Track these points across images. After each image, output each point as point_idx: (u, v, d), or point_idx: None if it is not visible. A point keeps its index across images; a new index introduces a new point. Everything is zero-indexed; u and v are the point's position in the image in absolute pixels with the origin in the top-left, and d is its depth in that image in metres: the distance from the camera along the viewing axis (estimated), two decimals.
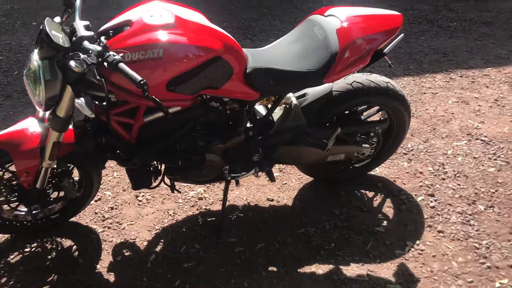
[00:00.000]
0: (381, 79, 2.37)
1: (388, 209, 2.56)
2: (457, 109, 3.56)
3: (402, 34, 2.26)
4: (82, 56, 1.64)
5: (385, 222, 2.47)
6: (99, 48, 1.61)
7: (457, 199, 2.61)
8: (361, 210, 2.55)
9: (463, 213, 2.50)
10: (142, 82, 1.50)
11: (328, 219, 2.48)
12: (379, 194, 2.67)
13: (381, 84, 2.34)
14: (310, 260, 2.24)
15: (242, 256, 2.27)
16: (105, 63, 1.58)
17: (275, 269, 2.21)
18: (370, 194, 2.67)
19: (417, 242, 2.33)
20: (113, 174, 2.84)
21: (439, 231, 2.39)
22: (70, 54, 1.71)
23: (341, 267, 2.21)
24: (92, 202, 2.56)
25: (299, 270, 2.21)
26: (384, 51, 2.18)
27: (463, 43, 4.83)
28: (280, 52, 2.16)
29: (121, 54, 1.65)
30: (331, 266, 2.21)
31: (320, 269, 2.21)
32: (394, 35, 2.17)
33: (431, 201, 2.60)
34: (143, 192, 2.68)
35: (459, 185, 2.72)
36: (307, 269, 2.21)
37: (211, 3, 5.96)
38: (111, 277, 2.17)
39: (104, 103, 1.86)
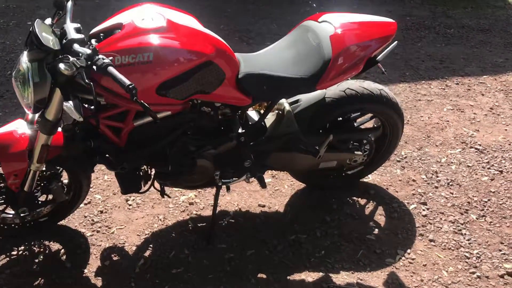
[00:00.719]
0: (375, 86, 2.36)
1: (380, 217, 2.54)
2: (452, 116, 3.55)
3: (396, 42, 2.25)
4: (71, 59, 1.62)
5: (376, 230, 2.45)
6: (88, 51, 1.60)
7: (449, 208, 2.60)
8: (352, 217, 2.53)
9: (455, 222, 2.49)
10: (130, 86, 1.48)
11: (319, 226, 2.46)
12: (371, 201, 2.66)
13: (375, 92, 2.33)
14: (300, 267, 2.23)
15: (231, 263, 2.25)
16: (94, 67, 1.56)
17: (264, 276, 2.19)
18: (362, 201, 2.66)
19: (408, 251, 2.32)
20: (104, 177, 2.82)
21: (431, 240, 2.38)
22: (60, 56, 1.70)
23: (331, 275, 2.19)
24: (82, 205, 2.54)
25: (288, 277, 2.19)
26: (377, 58, 2.16)
27: (460, 50, 4.83)
28: (273, 58, 2.15)
29: (111, 58, 1.64)
30: (321, 274, 2.20)
31: (310, 276, 2.19)
32: (388, 42, 2.16)
33: (423, 210, 2.58)
34: (134, 196, 2.65)
35: (452, 193, 2.71)
36: (297, 276, 2.19)
37: (207, 6, 5.95)
38: (98, 282, 2.14)
39: (93, 107, 1.85)
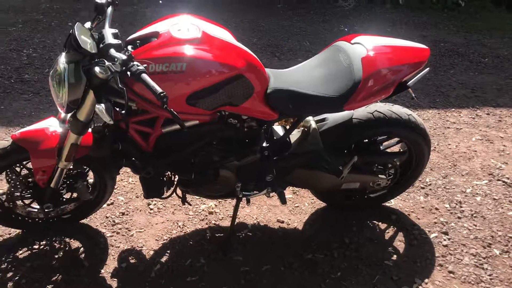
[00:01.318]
0: (404, 111, 2.34)
1: (399, 243, 2.50)
2: (481, 147, 3.49)
3: (428, 68, 2.23)
4: (107, 63, 1.67)
5: (395, 256, 2.41)
6: (124, 57, 1.64)
7: (471, 240, 2.54)
8: (371, 241, 2.50)
9: (477, 255, 2.43)
10: (162, 94, 1.52)
11: (337, 247, 2.44)
12: (391, 226, 2.62)
13: (403, 116, 2.31)
14: (314, 287, 2.21)
15: (246, 276, 2.24)
16: (128, 73, 1.61)
17: None
18: (383, 225, 2.62)
19: (426, 280, 2.27)
20: (128, 179, 2.87)
21: (450, 272, 2.32)
22: (96, 60, 1.76)
23: None
24: (104, 205, 2.59)
25: None
26: (408, 83, 2.15)
27: (493, 80, 4.75)
28: (303, 75, 2.16)
29: (145, 65, 1.68)
30: None
31: None
32: (420, 68, 2.15)
33: (445, 239, 2.53)
34: (155, 200, 2.69)
35: (475, 225, 2.65)
36: None
37: (243, 20, 6.04)
38: (113, 283, 2.17)
39: (124, 111, 1.88)
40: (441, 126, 3.77)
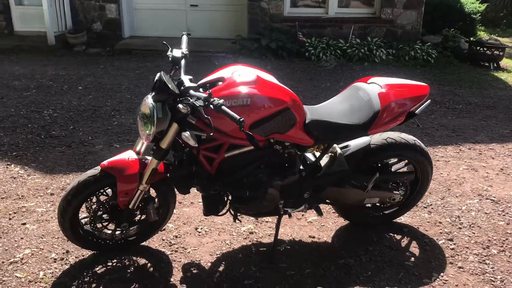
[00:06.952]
0: (410, 137, 2.90)
1: (414, 249, 2.97)
2: (468, 175, 4.06)
3: (429, 100, 2.83)
4: (191, 100, 2.18)
5: (412, 258, 2.87)
6: (204, 95, 2.16)
7: (473, 244, 3.02)
8: (391, 248, 2.96)
9: (479, 254, 2.91)
10: (240, 119, 2.03)
11: (363, 254, 2.88)
12: (405, 237, 3.09)
13: (410, 141, 2.87)
14: (352, 283, 2.63)
15: (293, 278, 2.65)
16: (211, 106, 2.11)
17: None
18: (398, 236, 3.09)
19: (441, 274, 2.72)
20: (174, 211, 3.28)
21: (460, 267, 2.79)
22: (180, 99, 2.27)
23: None
24: (159, 232, 2.98)
25: None
26: (416, 112, 2.73)
27: (469, 122, 5.43)
28: (331, 109, 2.71)
29: (222, 100, 2.19)
30: None
31: None
32: (423, 100, 2.74)
33: (451, 245, 3.01)
34: (201, 225, 3.11)
35: (474, 233, 3.15)
36: None
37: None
38: None
39: (204, 136, 2.36)
40: (432, 160, 4.34)
